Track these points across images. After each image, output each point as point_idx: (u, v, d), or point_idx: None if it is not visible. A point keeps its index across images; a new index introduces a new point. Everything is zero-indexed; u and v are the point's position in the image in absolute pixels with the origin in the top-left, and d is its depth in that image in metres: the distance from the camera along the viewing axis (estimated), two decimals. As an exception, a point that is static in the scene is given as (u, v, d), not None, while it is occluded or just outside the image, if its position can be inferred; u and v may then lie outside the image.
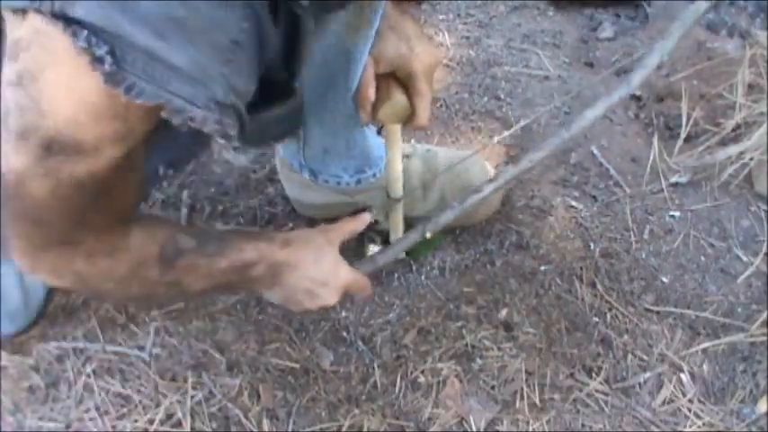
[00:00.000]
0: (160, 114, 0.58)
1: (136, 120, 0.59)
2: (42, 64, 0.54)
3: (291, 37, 0.70)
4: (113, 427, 1.01)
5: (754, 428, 1.05)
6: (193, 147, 0.85)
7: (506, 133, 1.40)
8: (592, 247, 1.24)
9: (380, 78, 0.97)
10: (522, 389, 1.07)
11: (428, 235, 0.98)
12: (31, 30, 0.53)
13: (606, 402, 1.06)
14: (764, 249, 1.24)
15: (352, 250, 1.20)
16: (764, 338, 1.13)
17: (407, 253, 1.19)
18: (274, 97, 0.72)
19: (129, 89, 0.54)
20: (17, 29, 0.54)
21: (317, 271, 0.86)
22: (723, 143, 1.37)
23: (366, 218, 0.96)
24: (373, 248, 1.16)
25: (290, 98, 0.73)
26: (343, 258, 0.89)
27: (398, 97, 0.96)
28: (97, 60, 0.52)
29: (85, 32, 0.52)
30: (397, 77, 0.97)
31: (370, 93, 0.97)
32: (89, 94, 0.55)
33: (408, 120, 0.98)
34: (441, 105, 1.45)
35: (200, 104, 0.58)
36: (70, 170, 0.59)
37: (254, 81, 0.65)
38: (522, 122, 1.40)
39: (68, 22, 0.51)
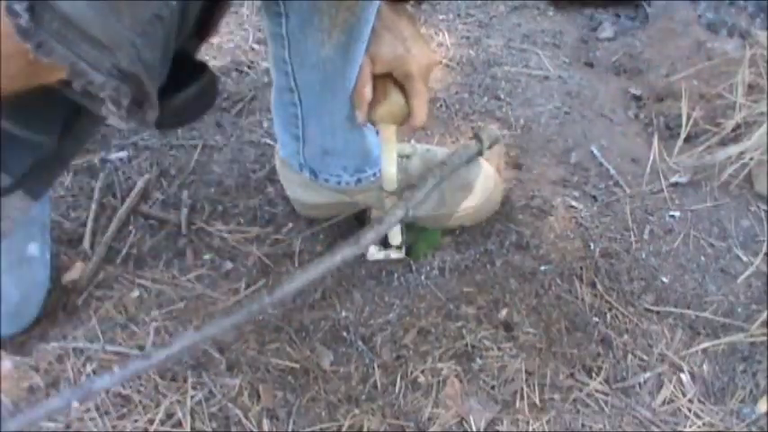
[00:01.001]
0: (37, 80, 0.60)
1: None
2: None
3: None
4: (113, 427, 1.01)
5: (754, 428, 1.05)
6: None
7: (506, 133, 1.40)
8: (592, 247, 1.24)
9: (377, 78, 0.98)
10: (522, 389, 1.07)
11: (410, 213, 0.97)
12: None
13: (606, 402, 1.06)
14: (764, 249, 1.24)
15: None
16: (764, 338, 1.13)
17: (407, 253, 1.19)
18: (187, 75, 0.73)
19: (39, 46, 0.55)
20: None
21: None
22: (723, 143, 1.37)
23: None
24: (372, 246, 1.17)
25: (203, 75, 0.74)
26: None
27: (395, 97, 0.96)
28: (14, 13, 0.54)
29: None
30: (393, 78, 0.97)
31: (367, 93, 0.97)
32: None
33: (405, 120, 0.98)
34: (441, 105, 1.45)
35: (102, 70, 0.59)
36: None
37: (168, 55, 0.66)
38: (522, 123, 1.40)
39: None
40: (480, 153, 1.07)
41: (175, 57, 0.69)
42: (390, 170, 1.06)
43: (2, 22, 0.55)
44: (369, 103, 0.99)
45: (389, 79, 0.97)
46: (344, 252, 0.92)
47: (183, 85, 0.73)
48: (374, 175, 1.16)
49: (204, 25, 0.75)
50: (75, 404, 0.79)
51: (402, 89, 0.97)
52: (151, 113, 0.66)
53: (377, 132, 1.16)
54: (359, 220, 1.23)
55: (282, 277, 1.17)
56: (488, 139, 1.08)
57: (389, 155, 1.05)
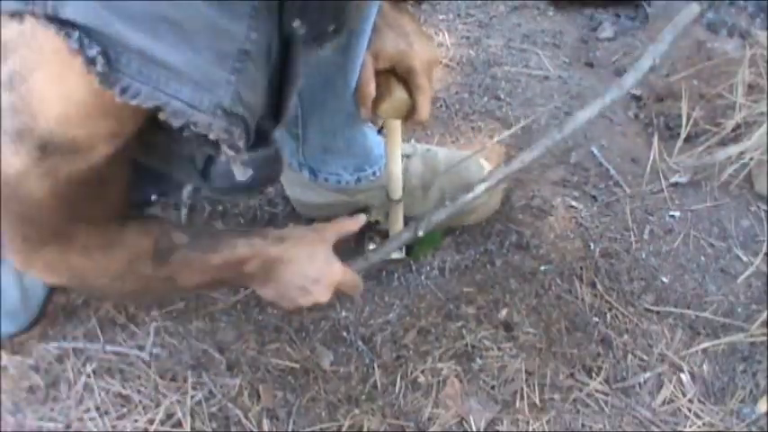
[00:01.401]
0: (153, 113, 0.57)
1: (127, 118, 0.58)
2: (31, 65, 0.53)
3: (280, 80, 0.68)
4: (113, 427, 1.01)
5: (754, 428, 1.05)
6: (185, 177, 0.84)
7: (506, 133, 1.40)
8: (592, 247, 1.24)
9: (380, 74, 0.98)
10: (522, 389, 1.07)
11: (420, 233, 0.99)
12: (17, 32, 0.52)
13: (606, 402, 1.06)
14: (764, 249, 1.24)
15: (353, 250, 1.20)
16: (764, 338, 1.13)
17: (407, 253, 1.19)
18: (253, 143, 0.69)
19: (124, 90, 0.53)
20: (4, 31, 0.53)
21: (310, 268, 0.86)
22: (723, 143, 1.37)
23: (362, 219, 0.97)
24: (372, 246, 1.17)
25: (267, 147, 0.70)
26: (338, 257, 0.90)
27: (399, 93, 0.96)
28: (89, 61, 0.52)
29: (77, 33, 0.51)
30: (396, 73, 0.97)
31: (371, 89, 0.97)
32: (78, 93, 0.54)
33: (409, 115, 0.98)
34: (441, 105, 1.45)
35: (203, 109, 0.57)
36: (68, 168, 0.58)
37: (264, 97, 0.64)
38: (522, 123, 1.40)
39: (61, 23, 0.51)
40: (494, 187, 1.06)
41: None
42: (396, 168, 1.06)
43: (75, 69, 0.52)
44: (373, 100, 0.99)
45: (392, 75, 0.97)
46: (355, 266, 0.96)
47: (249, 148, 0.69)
48: (374, 174, 1.16)
49: (278, 102, 0.71)
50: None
51: (405, 84, 0.97)
52: (277, 166, 0.66)
53: (378, 131, 1.16)
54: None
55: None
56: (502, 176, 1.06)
57: (395, 151, 1.05)
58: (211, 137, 0.59)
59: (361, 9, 0.74)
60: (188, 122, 0.57)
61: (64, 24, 0.51)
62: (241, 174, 0.65)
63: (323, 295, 0.89)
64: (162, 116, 0.56)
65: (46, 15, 0.51)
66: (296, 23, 0.62)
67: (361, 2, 0.70)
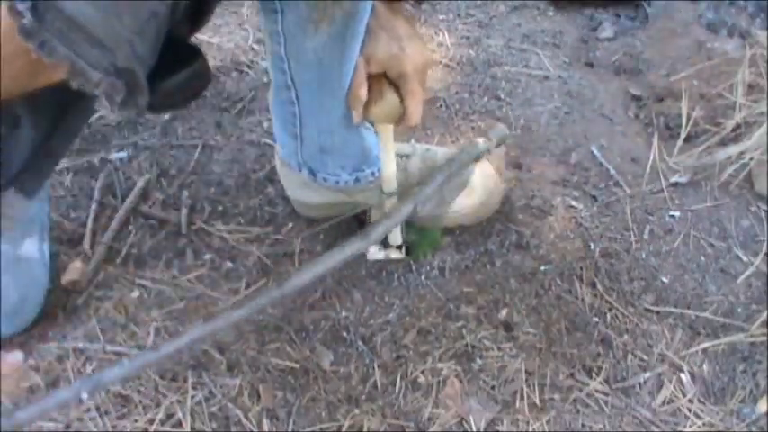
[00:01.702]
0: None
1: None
2: None
3: None
4: (113, 427, 1.01)
5: (754, 428, 1.05)
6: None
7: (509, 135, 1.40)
8: (592, 247, 1.24)
9: (372, 78, 0.98)
10: (522, 389, 1.07)
11: (419, 208, 0.95)
12: None
13: (606, 402, 1.06)
14: (764, 249, 1.24)
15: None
16: (764, 338, 1.13)
17: (407, 253, 1.19)
18: (178, 61, 0.73)
19: (42, 45, 0.56)
20: None
21: None
22: (723, 143, 1.37)
23: None
24: (372, 246, 1.17)
25: (196, 59, 0.75)
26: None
27: (390, 97, 0.96)
28: (18, 13, 0.54)
29: None
30: (388, 77, 0.97)
31: (362, 92, 0.97)
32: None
33: (400, 119, 0.98)
34: (441, 105, 1.45)
35: (100, 69, 0.60)
36: None
37: (159, 43, 0.67)
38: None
39: None
40: (488, 151, 1.06)
41: (168, 41, 0.69)
42: (389, 170, 1.06)
43: (3, 22, 0.56)
44: (364, 103, 0.99)
45: (385, 79, 0.97)
46: (353, 246, 0.91)
47: (175, 69, 0.73)
48: (372, 174, 1.16)
49: (197, 11, 0.76)
50: (85, 396, 0.79)
51: (397, 88, 0.97)
52: (141, 100, 0.67)
53: (375, 132, 1.16)
54: (359, 219, 1.23)
55: (283, 276, 1.17)
56: (497, 136, 1.07)
57: (388, 154, 1.05)
58: (95, 92, 0.61)
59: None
60: (83, 81, 0.60)
61: None
62: (107, 114, 0.68)
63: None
64: (65, 74, 0.59)
65: None
66: None
67: None
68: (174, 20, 0.68)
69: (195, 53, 0.76)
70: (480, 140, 1.05)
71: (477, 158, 1.03)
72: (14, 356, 1.03)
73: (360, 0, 0.89)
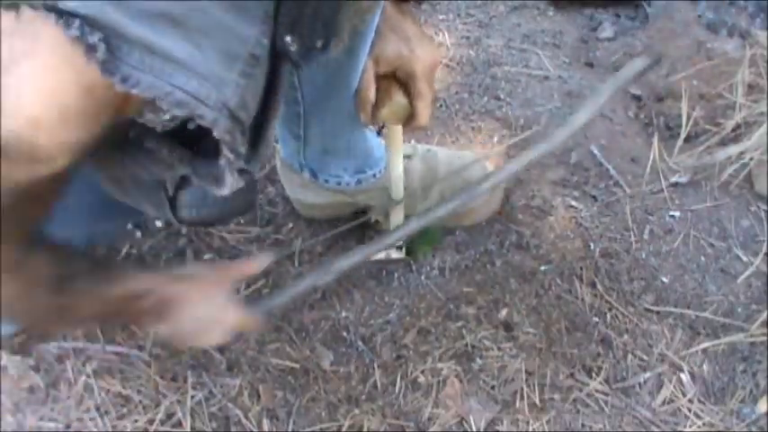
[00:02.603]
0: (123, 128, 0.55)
1: (102, 126, 0.55)
2: (19, 54, 0.49)
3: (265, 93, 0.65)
4: (113, 427, 1.01)
5: (754, 428, 1.05)
6: (150, 206, 0.82)
7: (513, 140, 1.40)
8: (592, 247, 1.24)
9: (380, 79, 0.97)
10: (522, 389, 1.07)
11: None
12: (12, 20, 0.48)
13: (606, 402, 1.06)
14: (764, 249, 1.24)
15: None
16: (764, 338, 1.13)
17: (407, 253, 1.19)
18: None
19: (126, 79, 0.50)
20: (3, 18, 0.49)
21: (206, 311, 0.81)
22: (723, 143, 1.37)
23: (262, 262, 0.87)
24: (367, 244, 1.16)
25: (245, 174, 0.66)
26: (234, 299, 0.84)
27: (398, 98, 0.96)
28: (90, 48, 0.49)
29: (77, 21, 0.48)
30: (397, 78, 0.97)
31: (370, 94, 0.97)
32: (63, 91, 0.50)
33: (408, 120, 0.98)
34: (441, 105, 1.45)
35: (210, 104, 0.54)
36: (17, 177, 0.53)
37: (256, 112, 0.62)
38: (525, 132, 1.40)
39: (60, 12, 0.48)
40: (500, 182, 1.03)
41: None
42: (397, 173, 1.06)
43: (66, 52, 0.49)
44: (372, 105, 0.99)
45: (393, 80, 0.97)
46: (379, 243, 0.91)
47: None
48: (374, 176, 1.16)
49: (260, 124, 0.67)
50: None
51: (405, 89, 0.97)
52: (256, 165, 0.61)
53: (378, 133, 1.16)
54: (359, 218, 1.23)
55: (283, 277, 1.17)
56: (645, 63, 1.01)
57: (396, 157, 1.05)
58: (215, 134, 0.56)
59: (351, 22, 0.72)
60: (193, 114, 0.54)
61: (62, 14, 0.48)
62: (231, 184, 0.61)
63: (217, 339, 0.84)
64: (164, 106, 0.53)
65: (45, 6, 0.48)
66: (288, 38, 0.59)
67: (352, 17, 0.68)
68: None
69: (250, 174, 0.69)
70: (635, 63, 0.98)
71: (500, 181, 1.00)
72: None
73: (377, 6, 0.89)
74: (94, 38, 0.49)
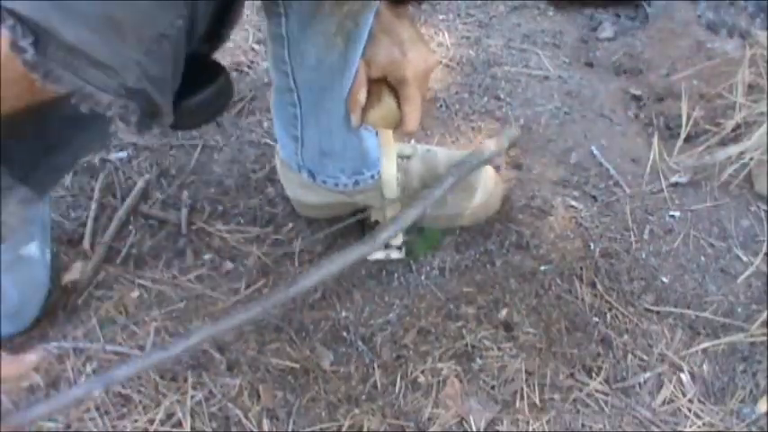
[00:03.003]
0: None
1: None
2: None
3: (222, 6, 0.72)
4: (113, 427, 1.01)
5: (754, 428, 1.05)
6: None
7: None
8: (592, 247, 1.24)
9: (372, 82, 0.97)
10: (522, 389, 1.07)
11: (428, 211, 0.95)
12: None
13: (606, 402, 1.06)
14: (764, 249, 1.24)
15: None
16: (764, 338, 1.13)
17: (407, 253, 1.19)
18: (200, 78, 0.74)
19: (47, 75, 0.58)
20: None
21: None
22: (723, 143, 1.37)
23: (33, 360, 0.81)
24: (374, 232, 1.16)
25: (219, 76, 0.76)
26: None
27: (387, 102, 0.96)
28: (20, 50, 0.56)
29: (12, 21, 0.55)
30: (388, 82, 0.97)
31: (361, 96, 0.97)
32: None
33: (398, 124, 0.98)
34: (441, 105, 1.45)
35: (110, 91, 0.61)
36: None
37: (180, 65, 0.68)
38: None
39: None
40: (499, 153, 1.06)
41: (190, 60, 0.70)
42: (390, 174, 1.06)
43: (3, 52, 0.57)
44: (363, 107, 0.99)
45: (384, 83, 0.97)
46: (361, 249, 0.92)
47: (198, 87, 0.74)
48: (372, 177, 1.16)
49: (216, 31, 0.76)
50: (96, 393, 0.79)
51: (396, 93, 0.97)
52: (166, 120, 0.68)
53: (376, 134, 1.16)
54: (359, 219, 1.23)
55: (283, 277, 1.17)
56: (508, 137, 1.07)
57: (389, 158, 1.05)
58: (108, 114, 0.62)
59: (344, 24, 0.79)
60: (93, 104, 0.61)
61: (2, 10, 0.55)
62: (128, 136, 0.69)
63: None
64: (73, 100, 0.60)
65: None
66: None
67: (340, 14, 0.72)
68: (193, 40, 0.68)
69: (218, 69, 0.77)
70: (490, 143, 1.04)
71: (487, 161, 1.03)
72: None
73: (368, 5, 0.89)
74: (26, 42, 0.56)
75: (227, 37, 0.79)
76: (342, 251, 0.90)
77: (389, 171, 1.06)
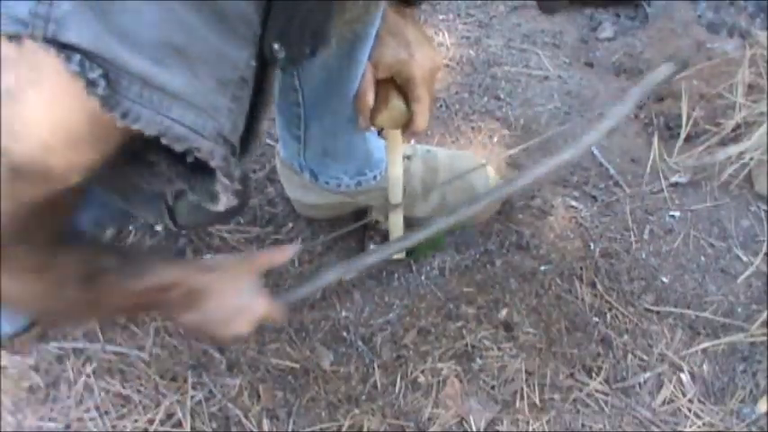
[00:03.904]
0: (129, 146, 0.56)
1: (109, 149, 0.56)
2: (25, 83, 0.50)
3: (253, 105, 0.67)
4: (113, 427, 1.01)
5: (754, 428, 1.05)
6: (149, 214, 0.83)
7: (516, 148, 1.40)
8: (592, 247, 1.24)
9: (379, 83, 0.97)
10: (522, 389, 1.07)
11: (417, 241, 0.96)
12: (16, 50, 0.50)
13: (606, 402, 1.06)
14: (764, 249, 1.24)
15: (355, 250, 1.21)
16: (764, 338, 1.13)
17: (408, 253, 1.19)
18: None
19: (125, 114, 0.52)
20: (4, 46, 0.50)
21: (235, 300, 0.83)
22: (723, 143, 1.37)
23: (291, 250, 0.90)
24: (374, 247, 1.16)
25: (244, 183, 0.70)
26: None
27: (396, 103, 0.96)
28: (91, 84, 0.50)
29: (78, 56, 0.49)
30: (395, 83, 0.97)
31: (369, 98, 0.97)
32: (70, 119, 0.52)
33: (406, 125, 0.98)
34: (441, 105, 1.45)
35: (206, 135, 0.56)
36: (34, 193, 0.56)
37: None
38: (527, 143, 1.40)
39: (61, 46, 0.49)
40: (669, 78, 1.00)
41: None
42: (396, 176, 1.06)
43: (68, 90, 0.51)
44: (371, 109, 0.99)
45: (392, 84, 0.97)
46: (385, 251, 0.92)
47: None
48: (374, 177, 1.16)
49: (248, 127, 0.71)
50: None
51: (404, 94, 0.97)
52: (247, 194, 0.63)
53: (378, 134, 1.16)
54: (359, 219, 1.23)
55: (283, 277, 1.17)
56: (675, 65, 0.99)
57: (395, 160, 1.05)
58: (212, 164, 0.58)
59: (343, 29, 0.74)
60: (191, 148, 0.56)
61: (64, 47, 0.49)
62: (226, 203, 0.63)
63: (244, 328, 0.85)
64: (164, 141, 0.55)
65: (45, 38, 0.49)
66: (276, 46, 0.61)
67: (341, 25, 0.69)
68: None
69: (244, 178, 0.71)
70: (660, 70, 0.97)
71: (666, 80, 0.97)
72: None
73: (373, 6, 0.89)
74: (95, 74, 0.50)
75: (258, 139, 0.73)
76: (383, 246, 0.90)
77: (396, 174, 1.05)
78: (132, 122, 0.52)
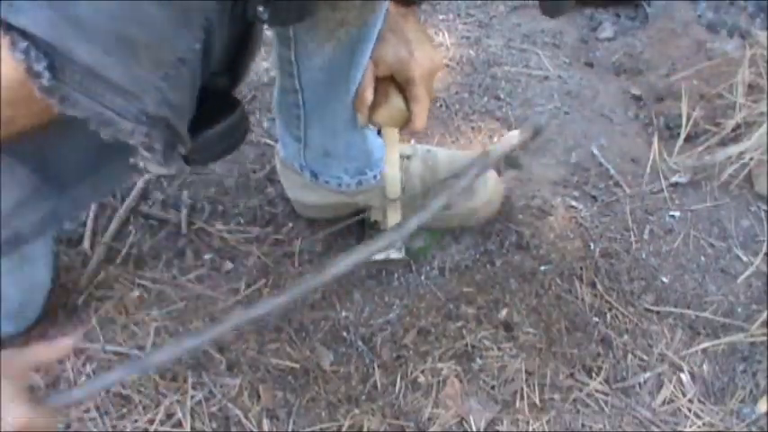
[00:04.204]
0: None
1: (42, 119, 0.59)
2: None
3: (239, 41, 0.69)
4: (113, 427, 1.01)
5: (754, 428, 1.05)
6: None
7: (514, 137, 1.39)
8: (592, 247, 1.24)
9: (379, 81, 0.98)
10: (522, 389, 1.07)
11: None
12: None
13: (606, 402, 1.06)
14: (764, 249, 1.24)
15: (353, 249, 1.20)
16: (764, 338, 1.13)
17: (407, 253, 1.19)
18: (215, 112, 0.71)
19: (63, 100, 0.54)
20: None
21: None
22: (723, 143, 1.37)
23: (66, 345, 0.75)
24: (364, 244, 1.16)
25: (232, 113, 0.73)
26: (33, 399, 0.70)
27: (395, 101, 0.96)
28: (35, 75, 0.52)
29: (25, 44, 0.51)
30: (395, 81, 0.97)
31: (368, 95, 0.97)
32: (10, 87, 0.54)
33: (405, 124, 0.98)
34: (441, 105, 1.45)
35: (130, 117, 0.58)
36: None
37: (194, 94, 0.65)
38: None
39: (10, 28, 0.50)
40: (526, 143, 1.01)
41: (206, 93, 0.67)
42: (394, 173, 1.06)
43: (13, 73, 0.53)
44: (369, 106, 0.99)
45: (392, 82, 0.97)
46: (353, 257, 0.91)
47: (213, 121, 0.71)
48: (374, 177, 1.16)
49: (235, 61, 0.74)
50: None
51: (403, 93, 0.97)
52: (182, 150, 0.65)
53: (378, 133, 1.16)
54: (359, 220, 1.23)
55: (283, 277, 1.17)
56: (533, 125, 1.02)
57: (393, 158, 1.05)
58: (131, 142, 0.59)
59: (335, 28, 0.75)
60: (114, 135, 0.58)
61: (12, 29, 0.50)
62: (156, 170, 0.65)
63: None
64: (92, 126, 0.57)
65: None
66: (260, 9, 0.64)
67: (334, 24, 0.70)
68: (209, 70, 0.66)
69: (233, 104, 0.75)
70: (515, 133, 1.00)
71: (489, 167, 0.99)
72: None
73: (375, 5, 0.89)
74: (40, 66, 0.52)
75: (247, 70, 0.76)
76: (371, 241, 0.88)
77: (393, 170, 1.06)
78: (69, 108, 0.55)
